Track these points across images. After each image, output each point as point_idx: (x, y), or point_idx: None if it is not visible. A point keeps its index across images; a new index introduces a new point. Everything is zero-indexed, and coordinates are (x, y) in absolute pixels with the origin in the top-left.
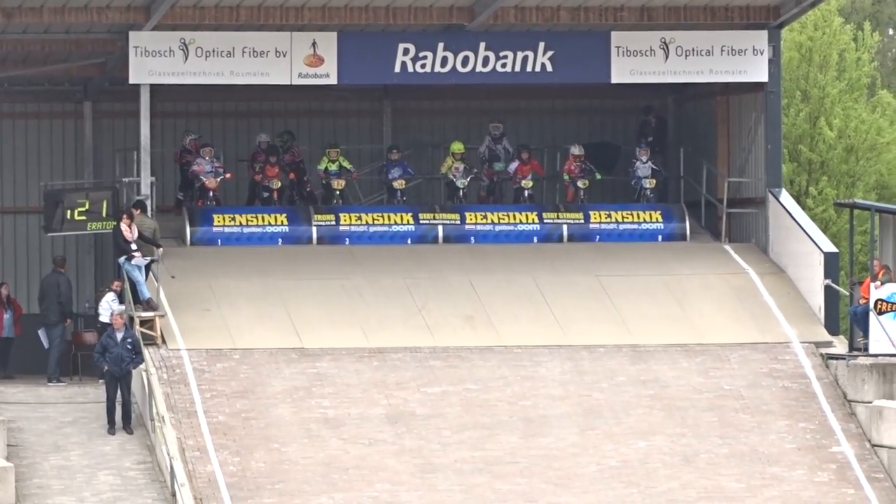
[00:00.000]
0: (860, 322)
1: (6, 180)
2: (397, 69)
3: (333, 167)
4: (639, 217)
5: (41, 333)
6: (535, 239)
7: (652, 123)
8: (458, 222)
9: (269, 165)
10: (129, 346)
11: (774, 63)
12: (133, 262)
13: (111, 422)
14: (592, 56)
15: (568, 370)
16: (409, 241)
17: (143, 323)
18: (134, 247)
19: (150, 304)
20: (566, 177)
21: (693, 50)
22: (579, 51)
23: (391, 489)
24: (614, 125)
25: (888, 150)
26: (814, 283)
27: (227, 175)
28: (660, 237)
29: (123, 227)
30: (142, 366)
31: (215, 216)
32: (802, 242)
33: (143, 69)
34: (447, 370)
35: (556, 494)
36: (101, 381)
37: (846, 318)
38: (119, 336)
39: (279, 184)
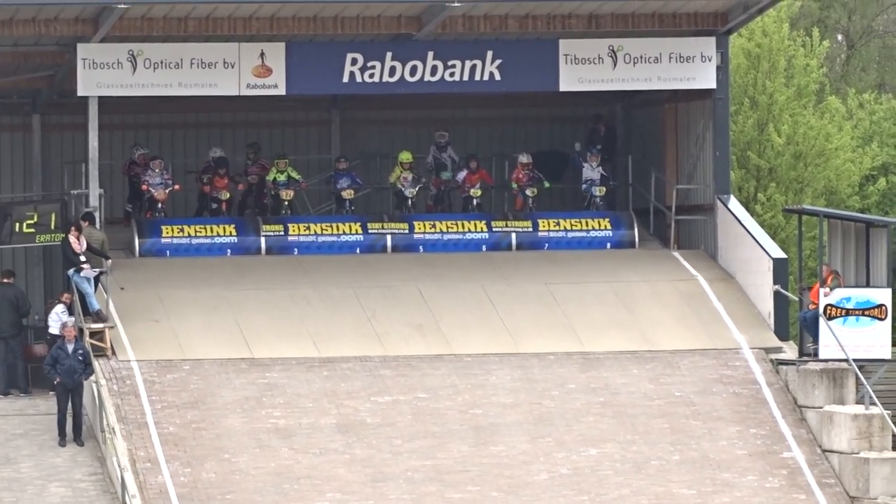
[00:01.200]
0: (810, 327)
1: None
2: (345, 79)
3: (282, 178)
4: (587, 224)
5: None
6: (484, 247)
7: (601, 132)
8: (407, 231)
9: (217, 177)
10: (80, 358)
11: (722, 70)
12: (82, 273)
13: (62, 434)
14: (540, 64)
15: (518, 378)
16: (357, 251)
17: (93, 335)
18: (83, 258)
19: (99, 316)
20: (514, 185)
21: (641, 57)
22: (527, 59)
23: (342, 498)
24: (563, 133)
25: (836, 155)
26: (763, 289)
27: (176, 186)
28: (609, 244)
29: (72, 238)
30: (92, 377)
31: (164, 227)
32: (751, 248)
33: (92, 81)
34: (397, 379)
35: (507, 502)
36: (51, 392)
37: (796, 323)
38: (70, 348)
39: (228, 195)
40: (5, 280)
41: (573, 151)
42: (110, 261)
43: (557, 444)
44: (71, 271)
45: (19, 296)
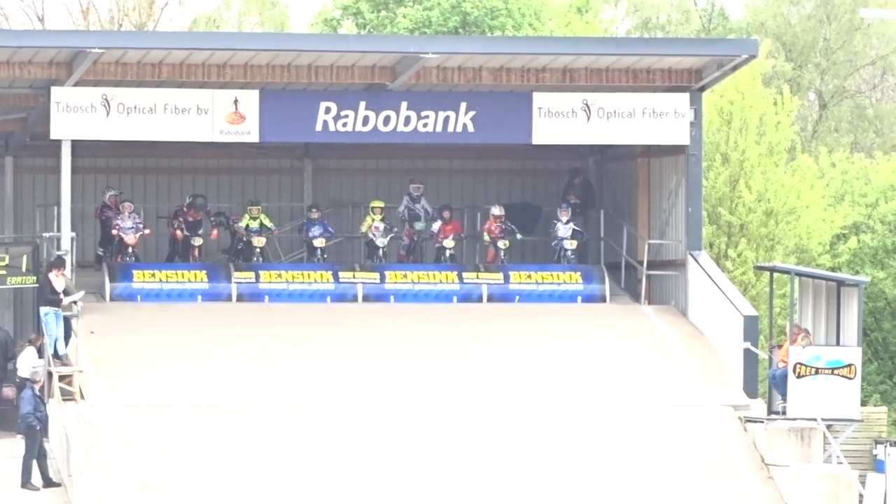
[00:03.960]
0: (779, 385)
1: None
2: (318, 128)
3: (255, 224)
4: (558, 278)
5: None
6: (455, 299)
7: (578, 185)
8: (378, 281)
9: (193, 210)
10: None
11: (696, 126)
12: (67, 299)
13: (30, 475)
14: (514, 117)
15: (486, 430)
16: (328, 300)
17: (62, 378)
18: (62, 297)
19: (65, 361)
20: (486, 237)
21: (615, 112)
22: (501, 111)
23: None
24: (535, 186)
25: (807, 213)
26: (733, 346)
27: (146, 231)
28: (579, 298)
29: (52, 277)
30: (61, 421)
31: (135, 272)
32: (722, 305)
33: (65, 125)
34: (368, 428)
35: None
36: (19, 436)
37: (765, 381)
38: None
39: (201, 241)
40: None
41: (545, 205)
42: (83, 292)
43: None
44: (44, 311)
45: (7, 339)
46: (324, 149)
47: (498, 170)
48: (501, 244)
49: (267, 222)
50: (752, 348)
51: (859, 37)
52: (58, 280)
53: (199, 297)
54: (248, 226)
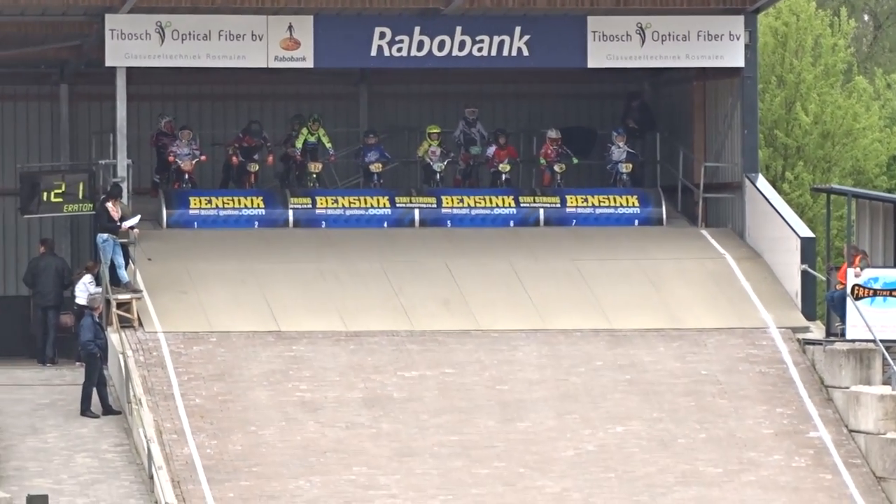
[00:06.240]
0: (837, 307)
1: None
2: (374, 53)
3: (312, 138)
4: (615, 201)
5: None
6: (512, 223)
7: (636, 108)
8: (435, 206)
9: (248, 136)
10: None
11: (751, 48)
12: (125, 224)
13: (89, 403)
14: (569, 41)
15: (545, 354)
16: (385, 225)
17: (120, 305)
18: (119, 224)
19: (128, 287)
20: (542, 161)
21: (669, 35)
22: (555, 35)
23: (369, 472)
24: (590, 110)
25: (864, 135)
26: (790, 269)
27: (202, 157)
28: (636, 221)
29: (109, 206)
30: (119, 349)
31: (192, 199)
32: (779, 227)
33: (120, 52)
34: (424, 354)
35: (533, 479)
36: (78, 363)
37: (823, 303)
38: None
39: (257, 167)
40: (45, 249)
41: (599, 128)
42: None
43: (584, 420)
44: (101, 238)
45: (63, 266)
46: (379, 74)
47: (553, 93)
48: (557, 168)
49: (325, 140)
50: (810, 270)
51: None
52: (114, 208)
53: (256, 223)
54: (306, 140)
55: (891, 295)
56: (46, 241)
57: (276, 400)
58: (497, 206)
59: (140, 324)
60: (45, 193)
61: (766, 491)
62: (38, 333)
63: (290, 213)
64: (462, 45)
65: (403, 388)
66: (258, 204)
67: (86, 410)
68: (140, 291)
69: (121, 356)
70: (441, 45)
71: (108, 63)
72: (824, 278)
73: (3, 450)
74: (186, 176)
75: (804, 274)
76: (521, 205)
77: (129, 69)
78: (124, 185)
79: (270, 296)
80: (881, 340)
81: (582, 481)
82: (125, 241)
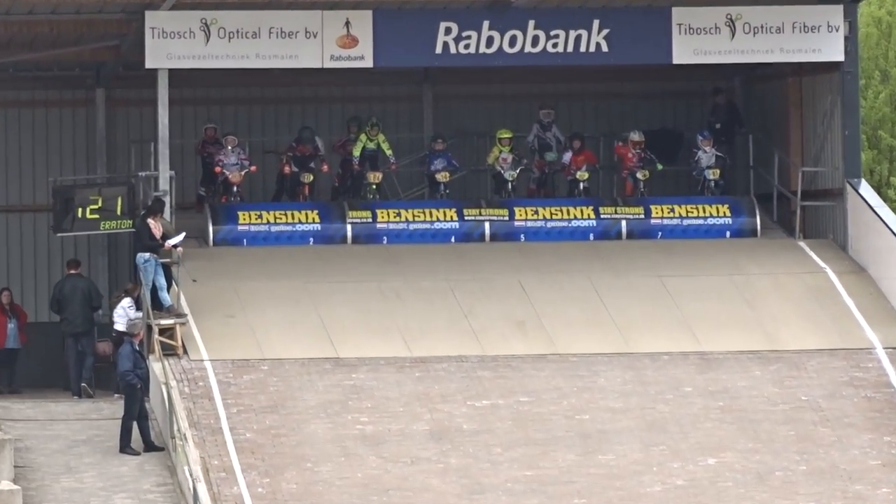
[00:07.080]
0: None
1: (11, 175)
2: (438, 50)
3: (371, 145)
4: (705, 211)
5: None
6: (592, 236)
7: (721, 105)
8: (507, 218)
9: (301, 145)
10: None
11: (851, 40)
12: (168, 243)
13: (129, 440)
14: (652, 35)
15: (629, 380)
16: (452, 240)
17: (162, 332)
18: (162, 243)
19: (171, 311)
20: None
21: (762, 27)
22: (637, 29)
23: None
24: (676, 110)
25: None
26: None
27: (252, 168)
28: (728, 233)
29: (151, 222)
30: (162, 379)
31: (240, 213)
32: (885, 238)
33: (161, 52)
34: (496, 381)
35: None
36: (116, 396)
37: None
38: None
39: (311, 177)
40: (72, 271)
41: (687, 131)
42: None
43: (672, 452)
44: (142, 259)
45: (91, 288)
46: (444, 73)
47: (635, 93)
48: (640, 175)
49: (386, 147)
50: None
51: None
52: (156, 225)
53: (311, 239)
54: (364, 147)
55: None
56: (72, 261)
57: (334, 433)
58: (575, 218)
59: (185, 351)
60: (79, 209)
61: None
62: (70, 363)
63: (349, 227)
64: (535, 40)
65: (474, 419)
66: (313, 218)
67: (125, 447)
68: (184, 316)
69: (163, 387)
70: (512, 41)
71: (148, 65)
72: None
73: (34, 490)
74: (235, 188)
75: None
76: (602, 216)
77: (171, 71)
78: (167, 200)
79: (327, 319)
80: None
81: None
82: (168, 260)
